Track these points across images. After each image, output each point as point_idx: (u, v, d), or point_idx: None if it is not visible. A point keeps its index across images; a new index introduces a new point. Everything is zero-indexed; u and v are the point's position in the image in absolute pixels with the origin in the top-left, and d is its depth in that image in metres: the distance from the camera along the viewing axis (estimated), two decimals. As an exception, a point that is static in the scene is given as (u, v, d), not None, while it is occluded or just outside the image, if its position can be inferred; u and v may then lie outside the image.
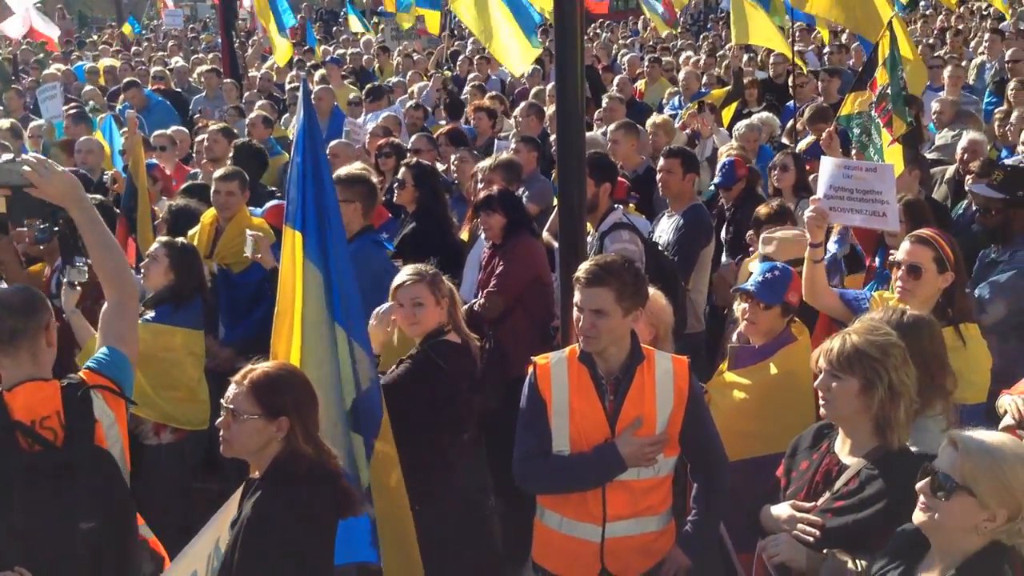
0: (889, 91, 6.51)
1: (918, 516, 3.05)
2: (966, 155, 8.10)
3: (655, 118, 10.18)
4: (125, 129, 9.11)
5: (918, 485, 3.05)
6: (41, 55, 21.64)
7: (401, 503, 4.56)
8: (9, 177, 3.75)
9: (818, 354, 3.72)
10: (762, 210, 6.63)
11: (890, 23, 6.86)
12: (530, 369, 4.25)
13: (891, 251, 5.51)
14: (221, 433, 3.63)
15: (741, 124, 9.90)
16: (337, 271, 4.40)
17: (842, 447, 3.71)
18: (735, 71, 13.63)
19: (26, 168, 3.74)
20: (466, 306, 6.26)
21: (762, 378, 4.80)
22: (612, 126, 9.11)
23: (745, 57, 16.00)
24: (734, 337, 5.26)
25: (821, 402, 3.68)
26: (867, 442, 3.62)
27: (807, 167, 7.78)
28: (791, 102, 11.19)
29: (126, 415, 3.83)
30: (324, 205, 4.40)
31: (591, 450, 4.10)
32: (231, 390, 3.61)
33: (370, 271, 5.69)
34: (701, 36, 22.83)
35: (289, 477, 3.53)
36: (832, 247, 6.03)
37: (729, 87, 12.67)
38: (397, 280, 4.94)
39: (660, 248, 6.89)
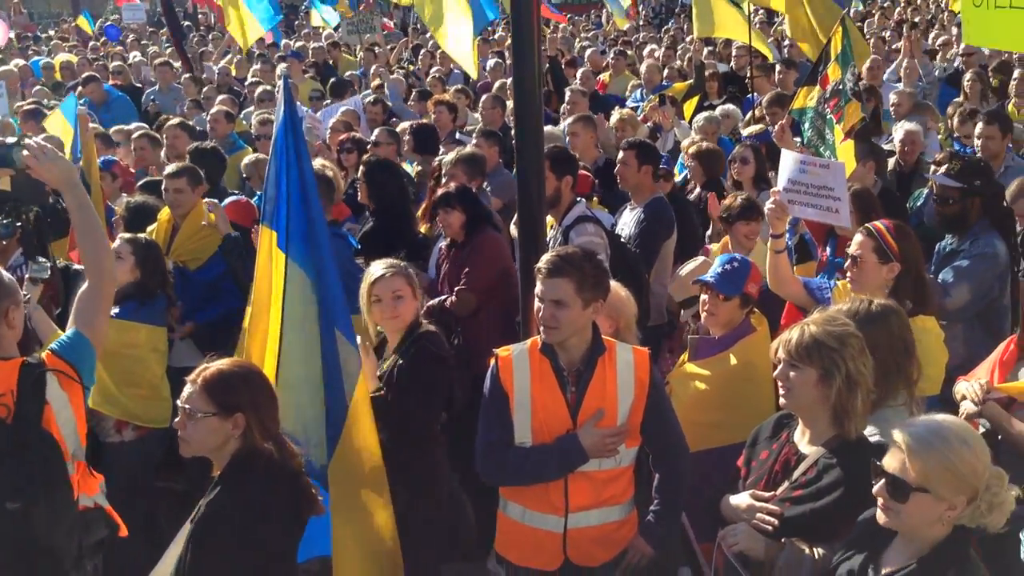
0: (841, 87, 6.51)
1: (881, 517, 3.09)
2: (905, 147, 8.23)
3: (619, 113, 10.21)
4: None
5: (875, 489, 3.08)
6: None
7: (374, 498, 4.46)
8: (11, 159, 4.08)
9: (777, 344, 3.74)
10: (733, 203, 6.60)
11: (843, 19, 6.88)
12: (492, 361, 4.27)
13: (842, 241, 5.59)
14: (179, 433, 3.63)
15: (701, 116, 9.96)
16: (324, 270, 4.31)
17: (801, 437, 3.74)
18: (697, 65, 13.69)
19: (25, 152, 4.03)
20: (435, 301, 6.28)
21: (722, 369, 4.84)
22: (570, 119, 9.15)
23: (706, 50, 16.08)
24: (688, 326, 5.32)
25: (780, 392, 3.71)
26: (825, 432, 3.65)
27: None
28: (751, 94, 11.27)
29: (83, 398, 3.92)
30: (309, 204, 4.29)
31: (553, 442, 4.12)
32: (186, 389, 3.61)
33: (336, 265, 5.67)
34: (663, 29, 22.90)
35: (246, 474, 3.52)
36: None
37: (691, 81, 12.73)
38: (375, 274, 4.89)
39: (623, 240, 6.92)
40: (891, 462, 3.05)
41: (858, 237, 4.90)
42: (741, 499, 3.78)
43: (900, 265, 4.79)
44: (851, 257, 4.88)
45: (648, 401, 4.17)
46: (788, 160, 5.53)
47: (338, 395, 4.34)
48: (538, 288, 4.13)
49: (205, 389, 3.55)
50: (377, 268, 4.94)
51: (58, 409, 3.79)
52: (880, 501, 3.08)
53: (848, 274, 4.91)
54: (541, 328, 4.15)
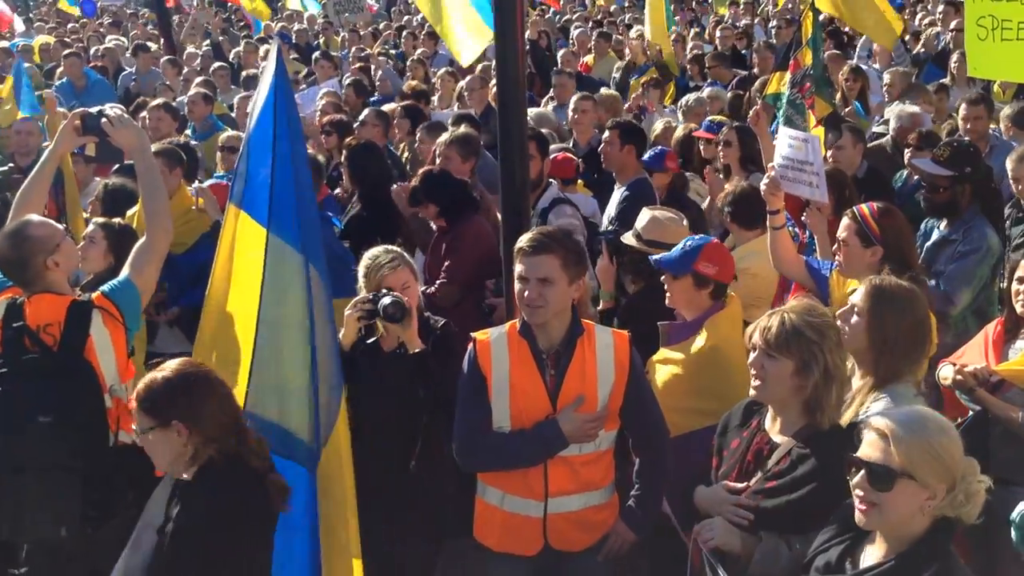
0: (812, 72, 6.41)
1: (860, 519, 3.01)
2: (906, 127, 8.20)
3: (600, 93, 10.18)
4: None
5: (853, 482, 3.00)
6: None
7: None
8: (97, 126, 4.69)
9: (753, 329, 3.63)
10: (735, 189, 6.41)
11: (812, 2, 6.75)
12: (470, 345, 4.22)
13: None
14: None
15: (688, 97, 9.94)
16: (313, 248, 3.89)
17: (772, 425, 3.66)
18: (655, 63, 13.58)
19: (104, 120, 4.66)
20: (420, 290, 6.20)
21: (693, 352, 4.69)
22: (576, 96, 9.18)
23: (692, 31, 16.01)
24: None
25: (753, 382, 3.59)
26: (797, 421, 3.57)
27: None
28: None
29: (124, 336, 4.52)
30: (300, 182, 3.86)
31: (533, 427, 4.09)
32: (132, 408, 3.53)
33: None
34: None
35: (213, 480, 3.40)
36: None
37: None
38: (384, 266, 4.73)
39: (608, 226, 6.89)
40: (871, 451, 2.99)
41: (844, 221, 4.89)
42: (715, 492, 3.71)
43: (883, 249, 4.75)
44: (838, 241, 4.87)
45: (628, 385, 4.14)
46: (781, 136, 5.60)
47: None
48: (520, 268, 4.07)
49: (140, 405, 3.46)
50: (381, 261, 4.76)
51: (100, 343, 4.37)
52: (858, 495, 2.99)
53: (836, 258, 4.90)
54: (525, 309, 4.09)
